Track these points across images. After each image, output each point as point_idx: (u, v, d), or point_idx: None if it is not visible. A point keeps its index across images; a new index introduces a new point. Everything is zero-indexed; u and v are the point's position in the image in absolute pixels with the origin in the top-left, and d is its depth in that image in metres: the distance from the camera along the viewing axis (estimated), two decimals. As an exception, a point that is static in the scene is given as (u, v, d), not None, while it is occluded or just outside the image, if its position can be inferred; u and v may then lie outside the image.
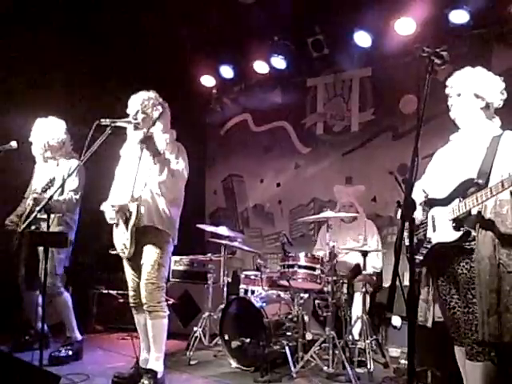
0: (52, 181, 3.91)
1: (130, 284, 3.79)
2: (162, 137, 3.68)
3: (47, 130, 4.45)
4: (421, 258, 2.81)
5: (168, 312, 3.69)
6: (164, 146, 3.66)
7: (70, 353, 4.32)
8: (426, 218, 2.85)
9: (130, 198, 3.55)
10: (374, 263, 5.08)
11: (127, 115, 3.70)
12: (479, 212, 2.62)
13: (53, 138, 4.43)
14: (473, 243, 2.63)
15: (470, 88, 2.82)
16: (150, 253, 3.61)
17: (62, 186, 4.13)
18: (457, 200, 2.67)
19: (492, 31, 5.19)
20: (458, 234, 2.65)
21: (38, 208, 3.51)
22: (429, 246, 2.79)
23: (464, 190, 2.65)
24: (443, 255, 2.77)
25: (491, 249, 2.57)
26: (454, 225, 2.67)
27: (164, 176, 3.57)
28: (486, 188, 2.53)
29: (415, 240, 2.77)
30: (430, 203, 2.85)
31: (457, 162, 2.81)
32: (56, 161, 4.48)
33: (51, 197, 3.48)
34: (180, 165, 3.69)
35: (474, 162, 2.72)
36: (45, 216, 3.56)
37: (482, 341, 2.56)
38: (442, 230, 2.75)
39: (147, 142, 3.47)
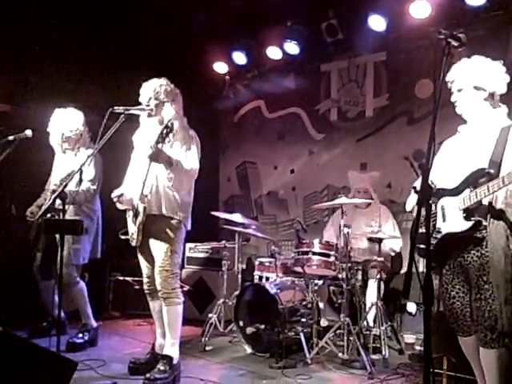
0: (70, 174, 3.94)
1: (144, 271, 3.81)
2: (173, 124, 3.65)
3: (65, 122, 4.46)
4: (430, 248, 2.76)
5: (183, 298, 3.71)
6: (177, 136, 3.66)
7: (86, 339, 4.37)
8: (435, 208, 2.81)
9: (140, 196, 3.54)
10: (391, 245, 5.04)
11: (140, 103, 3.70)
12: (490, 202, 2.59)
13: (70, 130, 4.44)
14: (484, 232, 2.62)
15: (468, 81, 2.77)
16: (162, 240, 3.61)
17: (80, 176, 4.16)
18: (467, 190, 2.64)
19: (509, 13, 5.08)
20: (469, 223, 2.63)
21: (53, 196, 3.53)
22: (438, 237, 2.77)
23: (475, 179, 2.62)
24: (451, 245, 2.75)
25: (504, 239, 2.55)
26: (464, 215, 2.64)
27: (176, 178, 3.60)
28: (497, 178, 2.49)
29: (423, 230, 2.73)
30: (439, 194, 2.81)
31: (466, 153, 2.78)
32: (74, 152, 4.50)
33: (65, 185, 3.49)
34: (192, 159, 3.66)
35: (484, 153, 2.68)
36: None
37: (496, 329, 2.55)
38: (452, 219, 2.73)
39: (156, 158, 3.45)
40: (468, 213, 2.64)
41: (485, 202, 2.59)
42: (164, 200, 3.62)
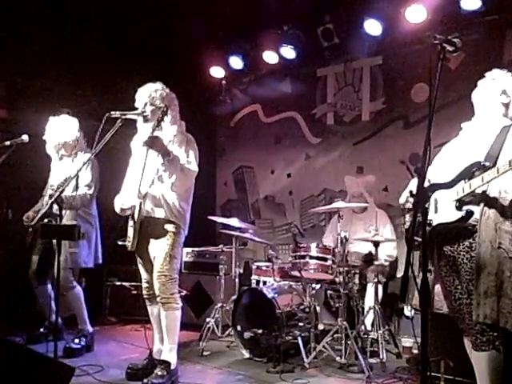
0: (67, 179, 3.95)
1: (143, 276, 3.81)
2: (170, 129, 3.67)
3: (61, 129, 4.47)
4: (420, 239, 2.78)
5: (181, 304, 3.70)
6: (172, 138, 3.67)
7: (83, 344, 4.36)
8: (429, 202, 2.82)
9: (137, 195, 3.54)
10: (388, 252, 5.06)
11: (136, 108, 3.70)
12: (484, 191, 2.62)
13: (67, 137, 4.46)
14: (475, 227, 2.64)
15: (503, 82, 2.86)
16: (160, 245, 3.61)
17: (76, 180, 4.18)
18: (462, 182, 2.67)
19: (504, 17, 5.10)
20: (460, 213, 2.66)
21: (49, 202, 3.53)
22: (428, 229, 2.75)
23: (470, 172, 2.65)
24: (443, 236, 2.78)
25: (493, 232, 2.59)
26: (457, 205, 2.67)
27: (173, 174, 3.57)
28: (493, 167, 2.52)
29: (415, 224, 2.77)
30: (433, 188, 2.83)
31: (465, 150, 2.81)
32: (71, 158, 4.51)
33: (62, 190, 3.50)
34: (190, 159, 3.66)
35: (481, 148, 2.71)
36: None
37: (483, 330, 2.59)
38: (444, 211, 2.76)
39: (152, 143, 3.46)
40: (460, 203, 2.67)
41: (478, 191, 2.63)
42: (163, 204, 3.62)
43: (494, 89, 2.87)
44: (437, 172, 2.91)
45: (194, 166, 3.68)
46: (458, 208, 2.67)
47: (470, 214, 2.64)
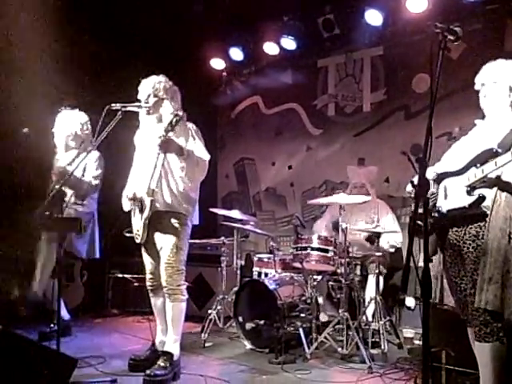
0: (74, 160, 3.98)
1: (148, 267, 3.80)
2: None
3: (75, 121, 4.57)
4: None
5: (187, 296, 3.69)
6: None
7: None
8: (437, 189, 2.83)
9: (147, 190, 3.53)
10: (391, 241, 5.04)
11: (138, 100, 3.68)
12: (498, 175, 2.55)
13: (81, 129, 4.57)
14: (483, 215, 2.62)
15: (506, 79, 2.79)
16: (168, 236, 3.60)
17: (83, 172, 4.22)
18: (473, 168, 2.62)
19: (505, 7, 5.08)
20: (472, 198, 2.61)
21: (55, 191, 3.52)
22: (436, 215, 2.78)
23: (482, 159, 2.59)
24: (450, 226, 2.77)
25: (503, 221, 2.57)
26: (468, 189, 2.63)
27: (189, 169, 3.61)
28: (506, 153, 2.46)
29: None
30: (441, 177, 2.81)
31: (476, 146, 2.74)
32: (77, 150, 4.53)
33: (72, 173, 3.55)
34: (200, 148, 3.66)
35: (493, 141, 2.65)
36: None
37: (487, 321, 2.58)
38: (454, 196, 2.73)
39: (167, 148, 3.49)
40: (472, 188, 2.63)
41: (492, 175, 2.56)
42: (171, 195, 3.61)
43: (499, 91, 2.80)
44: (446, 168, 2.88)
45: (206, 155, 3.68)
46: (469, 193, 2.62)
47: (482, 198, 2.59)
